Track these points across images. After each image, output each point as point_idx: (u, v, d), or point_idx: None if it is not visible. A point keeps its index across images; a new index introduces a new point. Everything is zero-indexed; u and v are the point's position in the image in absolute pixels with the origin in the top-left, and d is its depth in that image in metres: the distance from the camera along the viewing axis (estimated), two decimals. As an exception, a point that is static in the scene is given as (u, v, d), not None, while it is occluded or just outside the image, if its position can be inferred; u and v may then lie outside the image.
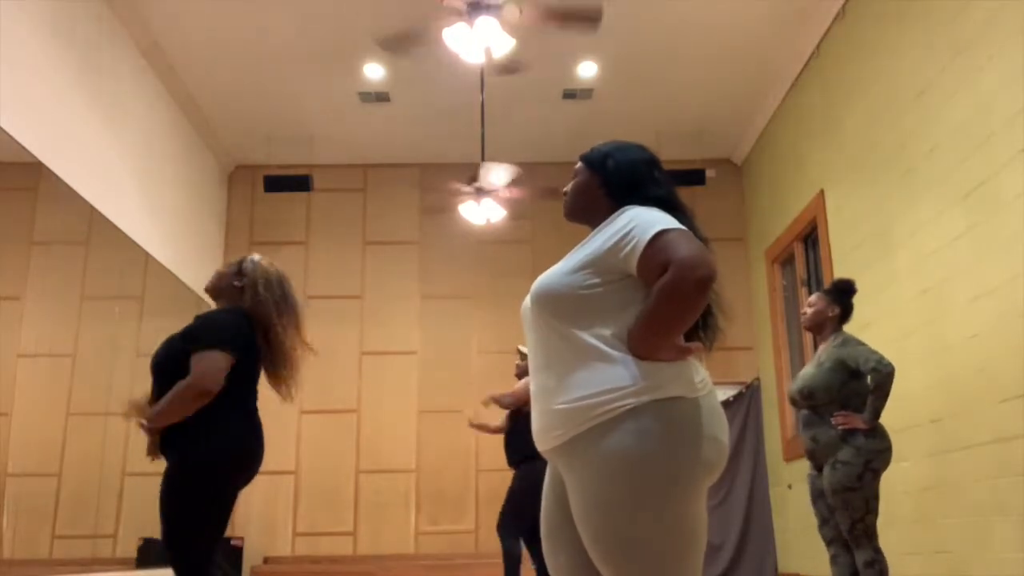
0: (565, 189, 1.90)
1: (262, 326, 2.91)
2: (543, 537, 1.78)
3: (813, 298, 3.99)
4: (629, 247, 1.62)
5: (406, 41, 5.13)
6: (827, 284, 5.86)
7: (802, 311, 4.04)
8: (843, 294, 3.94)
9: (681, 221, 1.67)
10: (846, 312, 3.93)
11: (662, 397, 1.56)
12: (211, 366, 2.70)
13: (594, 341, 1.60)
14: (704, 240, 1.68)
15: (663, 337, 1.58)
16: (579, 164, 1.88)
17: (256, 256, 3.08)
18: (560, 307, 1.66)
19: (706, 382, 1.67)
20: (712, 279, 1.56)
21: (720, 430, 1.63)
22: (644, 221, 1.64)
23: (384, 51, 5.31)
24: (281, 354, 2.97)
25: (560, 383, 1.62)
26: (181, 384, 2.71)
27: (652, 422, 1.54)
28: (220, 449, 2.78)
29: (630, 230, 1.63)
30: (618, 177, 1.79)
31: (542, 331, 1.69)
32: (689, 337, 1.71)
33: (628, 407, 1.55)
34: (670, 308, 1.56)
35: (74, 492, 5.10)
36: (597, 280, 1.64)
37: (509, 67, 5.58)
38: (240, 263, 3.01)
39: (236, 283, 2.96)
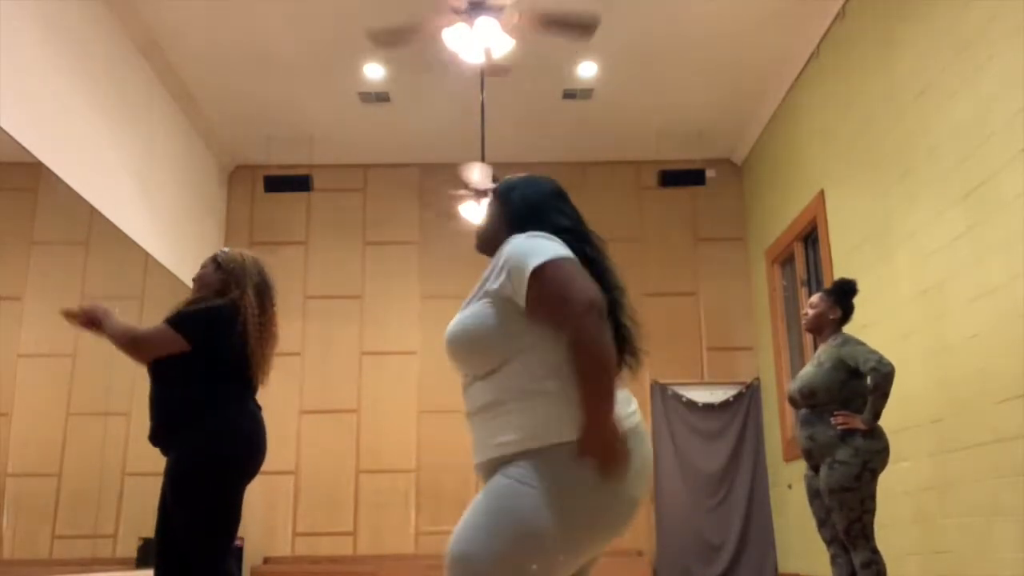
0: (482, 219, 1.90)
1: (251, 310, 2.94)
2: None
3: (815, 299, 3.98)
4: (510, 284, 1.60)
5: (398, 35, 5.11)
6: (827, 284, 5.88)
7: (803, 312, 4.04)
8: (845, 295, 3.95)
9: (585, 252, 1.65)
10: (847, 313, 3.93)
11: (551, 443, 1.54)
12: (156, 334, 2.87)
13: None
14: (604, 264, 1.68)
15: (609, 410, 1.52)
16: (491, 198, 1.88)
17: (225, 248, 3.16)
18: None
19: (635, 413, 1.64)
20: (600, 309, 1.53)
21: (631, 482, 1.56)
22: (518, 253, 1.61)
23: (375, 45, 5.27)
24: (269, 334, 3.01)
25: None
26: (131, 327, 2.91)
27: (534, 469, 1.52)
28: (220, 445, 2.79)
29: (503, 264, 1.63)
30: (521, 208, 1.77)
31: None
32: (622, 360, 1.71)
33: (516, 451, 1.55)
34: (596, 375, 1.51)
35: (74, 492, 5.10)
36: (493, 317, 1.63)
37: (496, 70, 5.59)
38: (214, 259, 3.08)
39: (217, 280, 3.01)
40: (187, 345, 2.83)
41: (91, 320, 2.91)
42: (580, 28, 5.03)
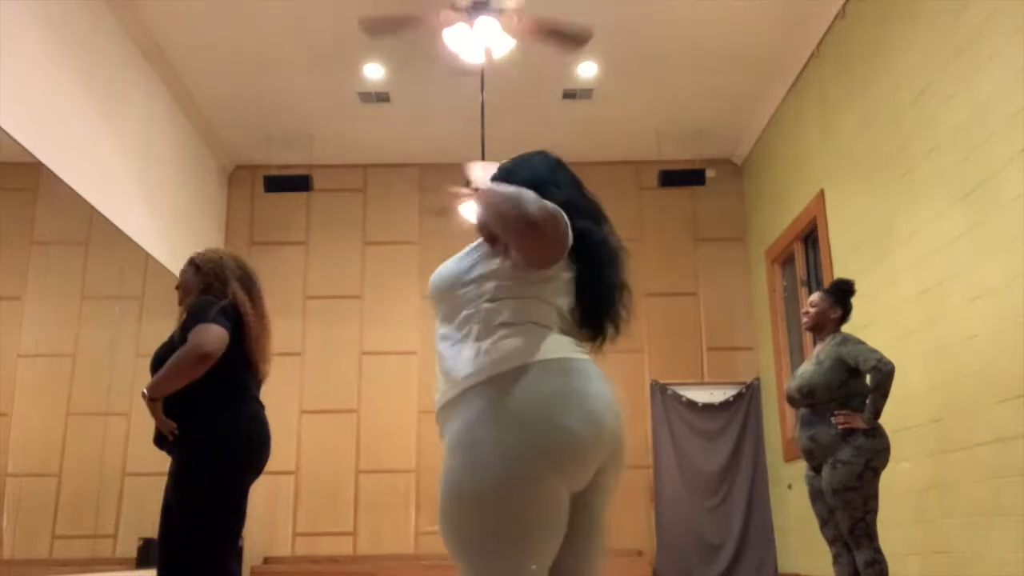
0: None
1: (239, 306, 2.94)
2: None
3: (815, 298, 3.98)
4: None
5: (391, 25, 5.10)
6: (827, 284, 5.88)
7: (803, 311, 4.04)
8: (845, 295, 3.95)
9: (576, 226, 1.64)
10: (846, 313, 3.94)
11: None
12: (208, 333, 2.74)
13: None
14: (596, 237, 1.69)
15: None
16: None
17: (199, 250, 3.16)
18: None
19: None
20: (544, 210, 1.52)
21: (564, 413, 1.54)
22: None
23: (368, 35, 5.25)
24: (261, 326, 3.00)
25: None
26: (181, 350, 2.73)
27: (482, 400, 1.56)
28: (224, 443, 2.78)
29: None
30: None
31: None
32: (594, 325, 1.71)
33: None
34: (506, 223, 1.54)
35: (74, 492, 5.10)
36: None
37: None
38: (191, 262, 3.07)
39: (199, 283, 2.99)
40: (228, 335, 2.78)
41: (152, 403, 2.79)
42: (572, 40, 5.05)
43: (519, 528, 1.50)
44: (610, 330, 1.74)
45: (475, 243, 1.74)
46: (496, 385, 1.55)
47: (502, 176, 1.82)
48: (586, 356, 1.65)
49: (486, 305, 1.63)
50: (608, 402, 1.59)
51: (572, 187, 1.76)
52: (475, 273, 1.68)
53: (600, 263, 1.71)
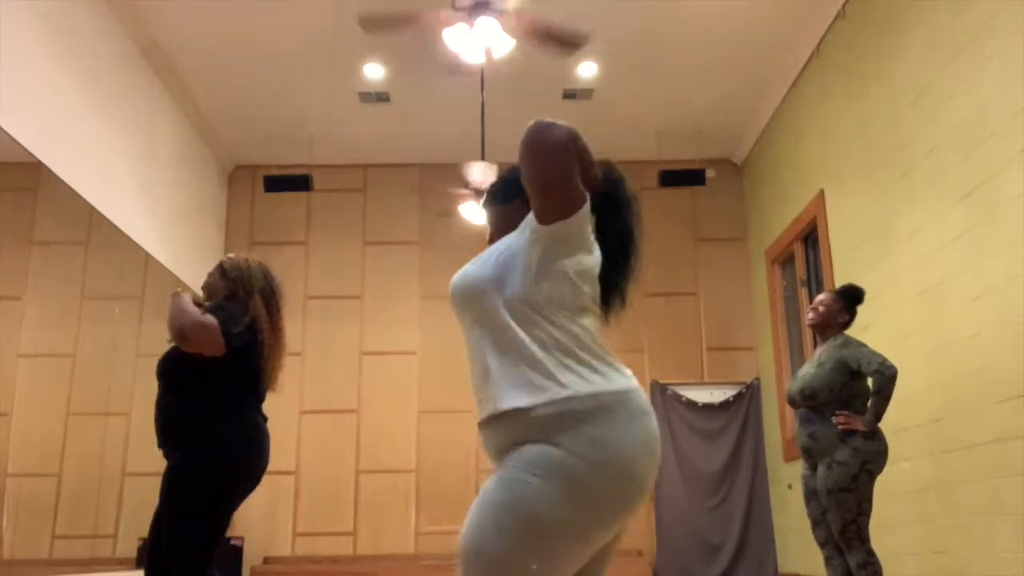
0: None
1: (263, 319, 2.93)
2: None
3: (826, 297, 3.96)
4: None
5: (389, 22, 5.10)
6: (827, 284, 5.88)
7: (811, 307, 3.99)
8: (854, 302, 3.94)
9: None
10: (852, 319, 3.94)
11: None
12: (211, 340, 2.74)
13: None
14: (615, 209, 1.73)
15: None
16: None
17: (231, 254, 3.14)
18: None
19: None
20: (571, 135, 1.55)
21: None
22: None
23: (365, 31, 5.24)
24: (277, 339, 2.99)
25: None
26: (198, 315, 2.75)
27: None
28: (221, 452, 2.78)
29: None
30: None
31: None
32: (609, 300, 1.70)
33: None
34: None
35: (74, 492, 5.10)
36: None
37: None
38: (220, 266, 3.06)
39: (224, 289, 2.99)
40: (222, 352, 2.76)
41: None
42: (568, 44, 5.05)
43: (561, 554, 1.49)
44: (617, 305, 1.74)
45: (499, 245, 1.71)
46: (578, 419, 1.49)
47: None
48: (634, 381, 1.61)
49: (535, 320, 1.58)
50: (657, 446, 1.58)
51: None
52: (510, 282, 1.61)
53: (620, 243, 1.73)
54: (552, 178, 1.56)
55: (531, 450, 1.49)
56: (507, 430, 1.54)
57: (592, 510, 1.48)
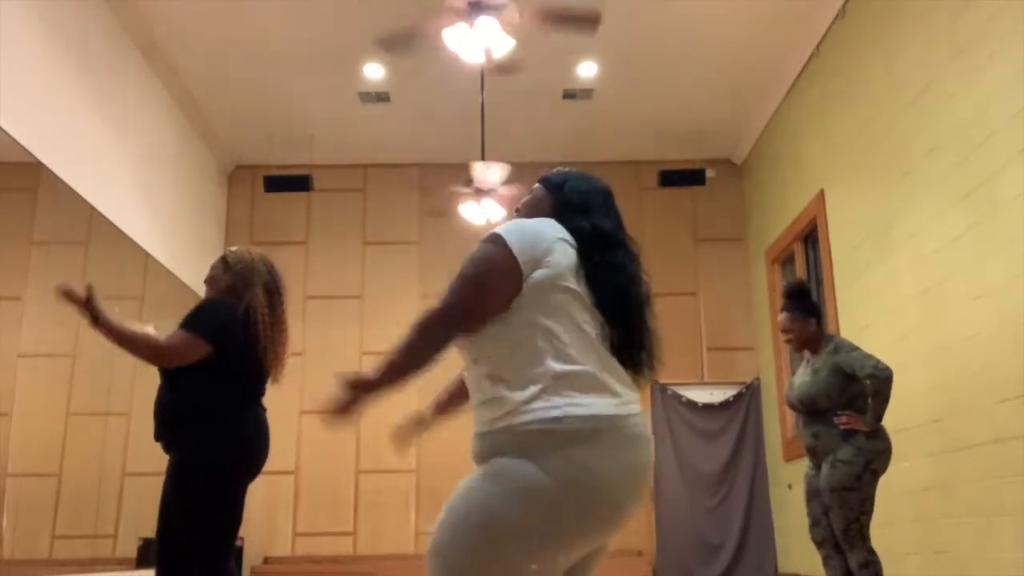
0: (517, 206, 1.90)
1: (261, 310, 2.93)
2: None
3: (786, 323, 3.88)
4: None
5: (406, 40, 5.12)
6: (828, 285, 5.88)
7: (782, 332, 3.94)
8: (806, 301, 3.90)
9: (616, 256, 1.68)
10: (819, 316, 3.90)
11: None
12: (182, 343, 2.78)
13: None
14: (616, 277, 1.67)
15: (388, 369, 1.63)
16: (536, 184, 1.89)
17: (233, 247, 3.15)
18: None
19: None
20: (448, 319, 1.59)
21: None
22: (504, 226, 1.67)
23: (384, 51, 5.30)
24: (280, 333, 2.99)
25: None
26: (153, 336, 2.80)
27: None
28: (221, 446, 2.78)
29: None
30: (570, 201, 1.78)
31: None
32: (629, 358, 1.69)
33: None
34: (399, 352, 1.63)
35: (74, 492, 5.10)
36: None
37: (506, 67, 5.58)
38: (223, 259, 3.07)
39: (227, 281, 3.00)
40: (210, 349, 2.79)
41: (90, 306, 2.79)
42: (584, 22, 5.02)
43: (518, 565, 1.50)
44: (648, 372, 1.74)
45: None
46: (562, 438, 1.50)
47: (556, 181, 1.85)
48: (637, 406, 1.62)
49: (519, 336, 1.59)
50: (645, 475, 1.58)
51: (617, 222, 1.80)
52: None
53: (624, 306, 1.70)
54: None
55: (503, 462, 1.52)
56: (490, 442, 1.58)
57: (553, 523, 1.48)
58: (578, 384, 1.54)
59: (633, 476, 1.54)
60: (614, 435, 1.53)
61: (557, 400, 1.52)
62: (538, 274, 1.59)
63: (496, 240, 1.61)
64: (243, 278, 2.97)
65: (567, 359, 1.56)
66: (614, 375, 1.61)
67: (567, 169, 1.90)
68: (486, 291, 1.59)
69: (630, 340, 1.68)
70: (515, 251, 1.59)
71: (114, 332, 2.79)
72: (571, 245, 1.66)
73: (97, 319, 2.78)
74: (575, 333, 1.59)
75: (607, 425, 1.52)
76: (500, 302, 1.59)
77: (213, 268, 3.08)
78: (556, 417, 1.50)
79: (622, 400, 1.58)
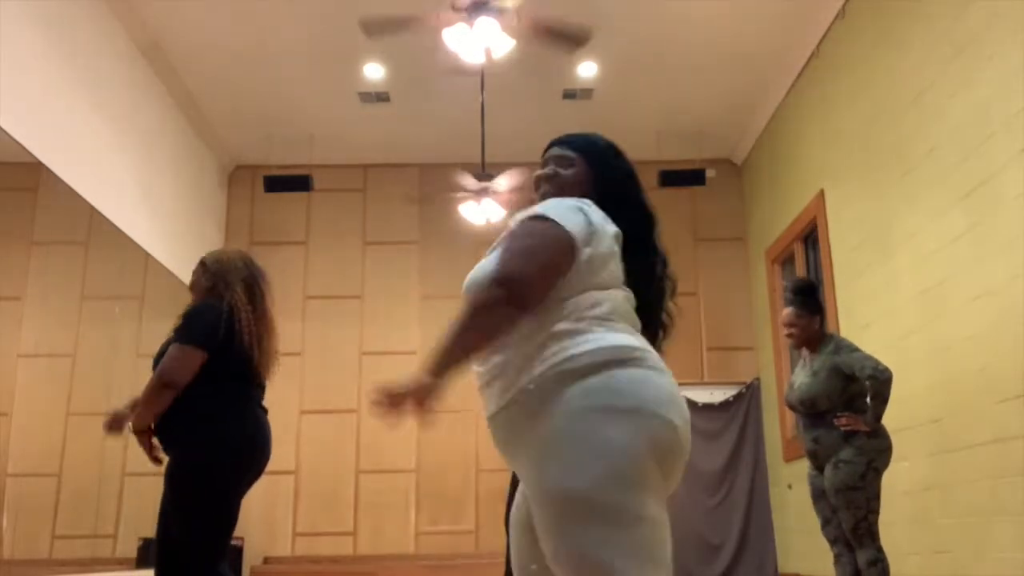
0: (545, 172, 1.85)
1: (242, 306, 2.94)
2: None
3: (791, 316, 3.88)
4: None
5: (390, 25, 5.10)
6: (828, 285, 5.88)
7: (784, 326, 3.96)
8: (812, 297, 3.91)
9: (652, 242, 1.76)
10: (823, 314, 3.92)
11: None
12: (179, 359, 2.80)
13: None
14: (656, 253, 1.76)
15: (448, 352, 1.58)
16: (571, 153, 1.85)
17: (201, 250, 3.22)
18: None
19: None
20: (510, 289, 1.53)
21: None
22: (541, 205, 1.68)
23: (367, 34, 5.25)
24: (264, 327, 3.00)
25: None
26: (153, 377, 2.81)
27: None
28: (220, 446, 2.79)
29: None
30: (614, 178, 1.83)
31: None
32: (652, 328, 1.75)
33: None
34: (459, 330, 1.58)
35: (74, 492, 5.10)
36: None
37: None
38: (201, 262, 3.11)
39: (206, 282, 3.02)
40: (205, 354, 2.81)
41: (138, 433, 2.85)
42: (572, 40, 5.06)
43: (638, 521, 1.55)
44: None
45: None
46: (597, 375, 1.52)
47: (601, 152, 1.88)
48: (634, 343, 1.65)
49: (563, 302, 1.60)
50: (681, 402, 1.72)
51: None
52: None
53: (649, 288, 1.77)
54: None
55: (574, 400, 1.52)
56: (538, 392, 1.56)
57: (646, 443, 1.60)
58: (617, 329, 1.60)
59: (679, 406, 1.68)
60: (652, 359, 1.60)
61: (600, 332, 1.56)
62: (586, 253, 1.61)
63: (550, 219, 1.62)
64: (221, 277, 2.99)
65: (606, 318, 1.60)
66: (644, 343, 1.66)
67: (593, 135, 1.91)
68: (550, 270, 1.59)
69: (653, 326, 1.76)
70: (572, 232, 1.61)
71: (146, 413, 2.83)
72: (613, 228, 1.69)
73: (132, 424, 2.86)
74: (614, 304, 1.62)
75: (646, 355, 1.60)
76: (557, 279, 1.60)
77: (194, 273, 3.11)
78: (601, 347, 1.54)
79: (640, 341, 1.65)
